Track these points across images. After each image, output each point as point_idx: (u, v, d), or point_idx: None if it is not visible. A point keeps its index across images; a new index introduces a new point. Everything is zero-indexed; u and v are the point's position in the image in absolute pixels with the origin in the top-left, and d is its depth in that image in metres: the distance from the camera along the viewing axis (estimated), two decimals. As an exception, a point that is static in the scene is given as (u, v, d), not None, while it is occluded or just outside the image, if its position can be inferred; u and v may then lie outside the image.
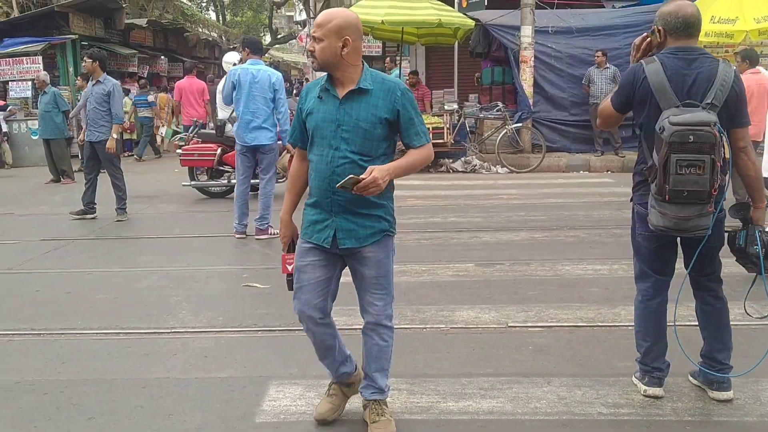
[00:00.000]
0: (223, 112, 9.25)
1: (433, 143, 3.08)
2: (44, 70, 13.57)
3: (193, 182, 9.36)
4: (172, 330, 4.45)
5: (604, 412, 3.21)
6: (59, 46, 15.63)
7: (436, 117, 12.05)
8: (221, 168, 9.15)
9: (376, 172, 2.65)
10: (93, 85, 7.93)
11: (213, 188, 9.43)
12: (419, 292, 5.06)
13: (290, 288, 3.01)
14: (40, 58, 14.55)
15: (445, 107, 12.33)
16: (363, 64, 2.84)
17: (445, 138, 11.49)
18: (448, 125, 11.85)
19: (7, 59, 14.64)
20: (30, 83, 14.39)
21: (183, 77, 15.14)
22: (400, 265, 5.68)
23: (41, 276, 5.81)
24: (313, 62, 2.85)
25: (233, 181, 8.08)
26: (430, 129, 11.68)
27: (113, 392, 3.57)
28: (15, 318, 4.71)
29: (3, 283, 5.66)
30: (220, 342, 4.24)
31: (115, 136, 7.86)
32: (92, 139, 7.93)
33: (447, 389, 3.46)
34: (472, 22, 11.64)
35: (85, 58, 8.16)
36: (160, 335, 4.38)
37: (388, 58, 14.18)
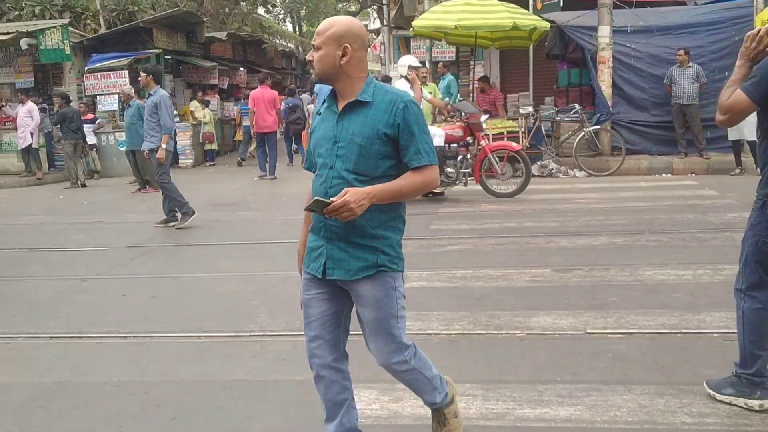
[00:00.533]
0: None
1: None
2: (130, 83, 14.19)
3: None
4: (252, 333, 4.56)
5: (689, 422, 3.08)
6: (144, 60, 16.29)
7: (510, 120, 11.89)
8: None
9: (349, 195, 2.35)
10: (147, 98, 8.50)
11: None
12: (495, 298, 5.00)
13: None
14: (126, 72, 15.20)
15: (520, 111, 12.17)
16: (368, 76, 2.57)
17: (521, 142, 11.33)
18: (523, 129, 11.69)
19: (96, 74, 15.35)
20: (116, 97, 15.05)
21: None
22: (474, 270, 5.70)
23: (128, 281, 6.06)
24: (312, 72, 2.65)
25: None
26: (504, 132, 11.58)
27: (195, 393, 3.68)
28: (103, 321, 4.92)
29: (93, 288, 5.92)
30: (297, 345, 4.30)
31: (163, 146, 8.23)
32: (145, 148, 8.51)
33: (523, 395, 3.40)
34: (547, 24, 11.44)
35: (140, 73, 8.73)
36: (239, 338, 4.49)
37: (440, 63, 14.06)
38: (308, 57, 2.59)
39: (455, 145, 9.22)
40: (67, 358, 4.28)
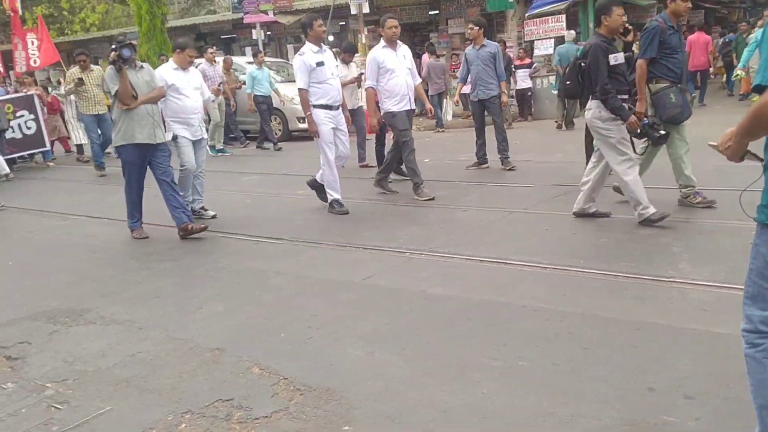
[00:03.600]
0: None
1: None
2: (568, 28, 14.45)
3: None
4: (671, 279, 4.39)
5: None
6: (581, 4, 16.32)
7: None
8: None
9: None
10: (478, 49, 9.03)
11: None
12: None
13: None
14: (563, 16, 15.45)
15: None
16: None
17: None
18: None
19: (535, 20, 15.96)
20: (551, 41, 15.45)
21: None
22: None
23: (550, 217, 6.33)
24: None
25: None
26: None
27: (607, 328, 3.74)
28: (526, 251, 5.26)
29: (518, 220, 6.32)
30: (721, 297, 4.02)
31: (505, 91, 9.30)
32: (482, 97, 9.09)
33: None
34: None
35: (470, 25, 9.31)
36: (658, 282, 4.37)
37: None
38: None
39: None
40: (493, 279, 4.72)
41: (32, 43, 16.80)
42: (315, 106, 6.95)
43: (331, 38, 19.07)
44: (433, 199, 7.34)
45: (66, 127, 14.18)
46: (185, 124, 7.15)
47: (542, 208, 6.67)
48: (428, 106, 8.10)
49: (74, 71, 11.38)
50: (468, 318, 4.03)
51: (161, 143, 6.55)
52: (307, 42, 7.08)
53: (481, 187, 8.10)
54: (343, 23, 21.06)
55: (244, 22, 20.42)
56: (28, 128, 12.96)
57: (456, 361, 3.48)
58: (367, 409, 3.08)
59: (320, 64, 6.94)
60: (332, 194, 7.16)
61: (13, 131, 12.74)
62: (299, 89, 6.99)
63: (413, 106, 7.75)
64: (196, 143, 7.29)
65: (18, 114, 12.71)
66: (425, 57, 16.46)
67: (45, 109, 13.49)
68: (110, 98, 6.50)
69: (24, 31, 17.58)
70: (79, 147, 14.15)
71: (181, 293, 4.97)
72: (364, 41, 16.80)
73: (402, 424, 2.94)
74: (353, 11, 17.03)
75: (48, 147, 13.54)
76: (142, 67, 6.61)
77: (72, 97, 12.27)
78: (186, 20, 26.55)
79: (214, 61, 13.07)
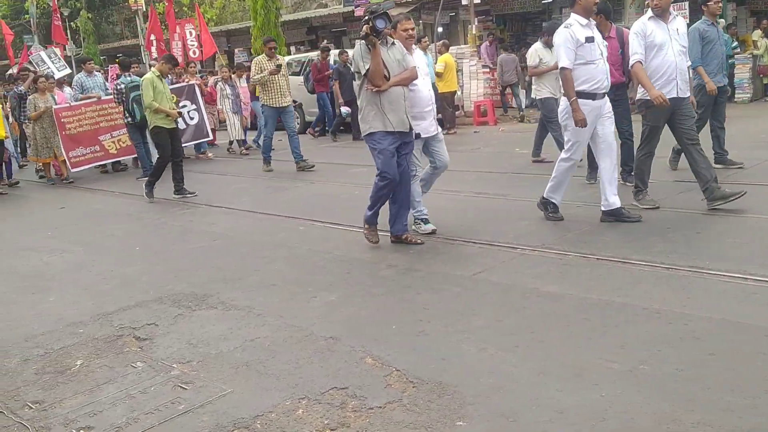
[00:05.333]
0: None
1: None
2: (691, 16, 13.70)
3: None
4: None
5: None
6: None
7: None
8: None
9: None
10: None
11: None
12: None
13: None
14: (686, 3, 14.68)
15: None
16: None
17: None
18: None
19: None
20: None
21: None
22: None
23: (672, 214, 6.04)
24: None
25: None
26: None
27: (736, 334, 3.54)
28: (647, 251, 5.04)
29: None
30: None
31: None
32: None
33: None
34: None
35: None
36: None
37: None
38: None
39: None
40: (611, 279, 4.55)
41: (190, 33, 16.83)
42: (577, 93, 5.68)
43: (440, 30, 18.99)
44: (658, 208, 6.21)
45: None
46: (420, 119, 5.92)
47: (664, 204, 6.36)
48: None
49: (261, 59, 10.57)
50: (585, 318, 3.92)
51: (410, 132, 5.66)
52: (572, 14, 5.85)
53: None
54: (453, 14, 20.92)
55: (355, 15, 20.69)
56: (191, 118, 12.84)
57: (572, 362, 3.39)
58: (480, 405, 3.06)
59: (590, 39, 5.73)
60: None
61: (176, 122, 12.49)
62: (562, 68, 5.73)
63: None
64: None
65: (180, 104, 12.19)
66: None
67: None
68: (358, 79, 5.65)
69: (182, 22, 17.64)
70: (240, 141, 13.72)
71: (295, 282, 5.11)
72: (474, 32, 16.64)
73: (517, 422, 2.90)
74: (464, 1, 16.89)
75: (210, 137, 13.47)
76: (393, 43, 5.64)
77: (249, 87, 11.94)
78: (298, 14, 27.16)
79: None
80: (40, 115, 11.35)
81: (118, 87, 11.28)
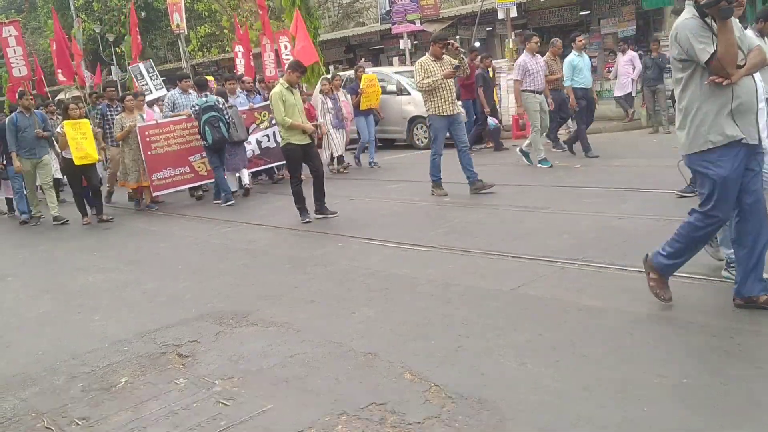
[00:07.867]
0: None
1: None
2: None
3: None
4: None
5: None
6: (748, 1, 15.13)
7: None
8: None
9: None
10: None
11: None
12: None
13: None
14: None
15: None
16: None
17: None
18: None
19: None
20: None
21: None
22: None
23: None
24: None
25: None
26: None
27: (786, 348, 3.44)
28: (691, 263, 4.90)
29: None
30: None
31: None
32: None
33: None
34: None
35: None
36: None
37: None
38: None
39: None
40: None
41: (285, 47, 15.87)
42: None
43: (477, 44, 18.99)
44: None
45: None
46: None
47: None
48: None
49: (426, 61, 8.73)
50: (628, 332, 3.85)
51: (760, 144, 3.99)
52: None
53: (638, 192, 7.72)
54: (490, 28, 20.91)
55: (392, 32, 20.82)
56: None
57: (615, 377, 3.33)
58: (521, 421, 3.02)
59: None
60: None
61: (269, 140, 11.72)
62: None
63: None
64: None
65: (273, 122, 11.28)
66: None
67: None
68: (680, 71, 3.93)
69: (277, 34, 16.63)
70: (340, 157, 12.41)
71: (334, 298, 5.13)
72: (511, 46, 16.59)
73: (558, 439, 2.86)
74: (500, 16, 16.87)
75: None
76: None
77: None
78: (336, 33, 27.47)
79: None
80: (125, 136, 10.47)
81: (193, 108, 10.41)
